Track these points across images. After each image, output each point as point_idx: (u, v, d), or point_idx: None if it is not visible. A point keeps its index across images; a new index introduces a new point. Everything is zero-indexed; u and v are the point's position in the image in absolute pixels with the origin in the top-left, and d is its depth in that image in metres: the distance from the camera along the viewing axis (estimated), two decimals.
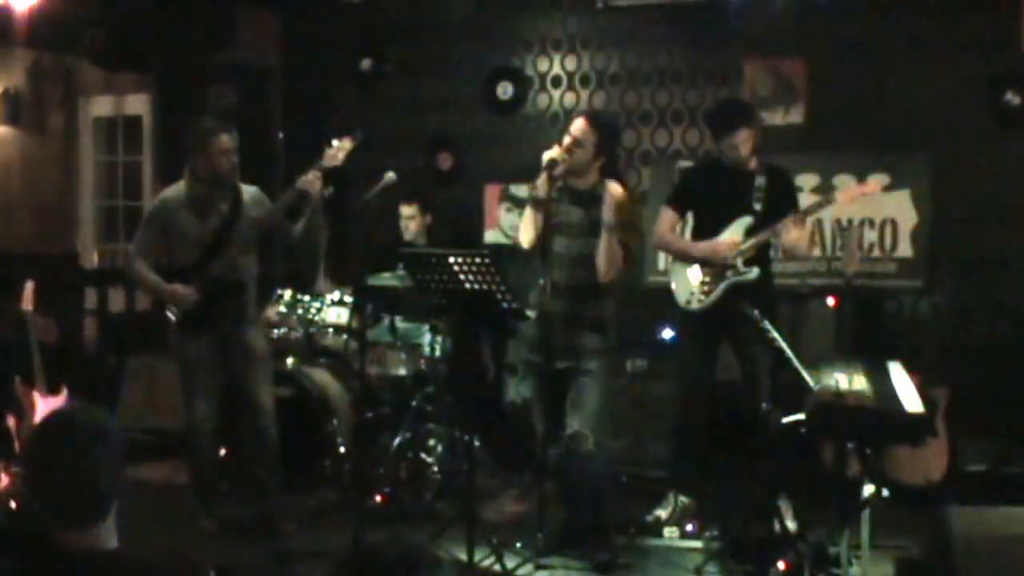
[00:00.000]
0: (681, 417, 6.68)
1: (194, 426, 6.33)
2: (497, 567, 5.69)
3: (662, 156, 8.63)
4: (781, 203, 6.42)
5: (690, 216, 6.73)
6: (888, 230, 7.79)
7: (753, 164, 6.45)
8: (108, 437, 2.74)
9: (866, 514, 5.35)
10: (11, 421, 6.73)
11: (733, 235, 6.40)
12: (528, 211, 5.97)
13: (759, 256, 6.46)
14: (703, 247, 6.47)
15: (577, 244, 5.95)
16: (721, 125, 6.47)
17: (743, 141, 6.36)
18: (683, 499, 6.60)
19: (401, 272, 6.94)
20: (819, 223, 7.86)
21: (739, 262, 6.38)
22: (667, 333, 6.98)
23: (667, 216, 6.62)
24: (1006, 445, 7.20)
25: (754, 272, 6.39)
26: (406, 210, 7.78)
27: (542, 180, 5.86)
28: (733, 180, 6.44)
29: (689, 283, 6.50)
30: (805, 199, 7.32)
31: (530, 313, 5.90)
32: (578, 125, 5.97)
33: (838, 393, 4.95)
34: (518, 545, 6.01)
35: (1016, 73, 7.71)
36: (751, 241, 6.38)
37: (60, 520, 2.70)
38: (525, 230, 5.98)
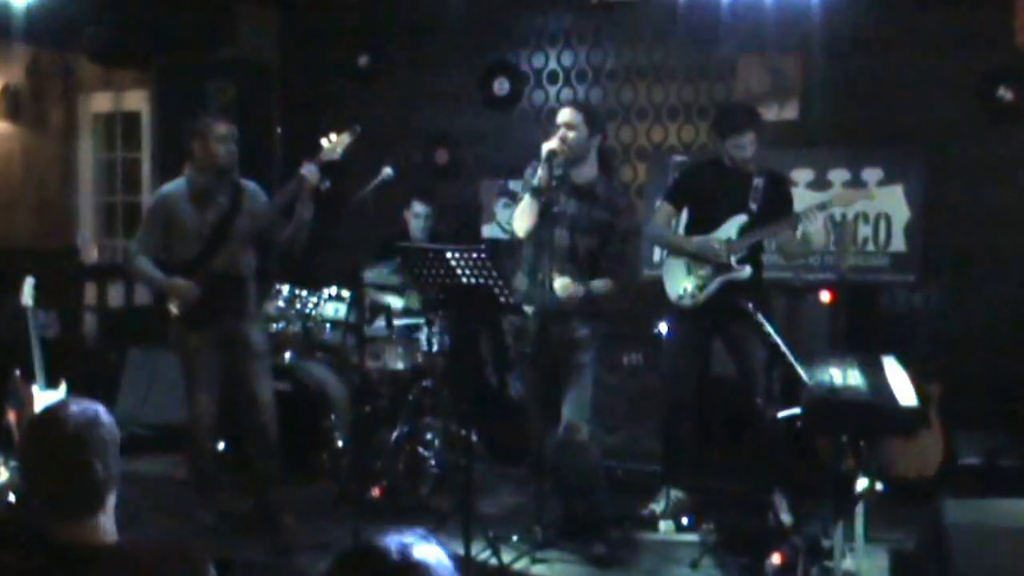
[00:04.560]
0: (673, 412, 6.71)
1: (194, 420, 6.36)
2: (494, 561, 5.72)
3: (658, 152, 8.65)
4: (777, 206, 6.48)
5: (686, 212, 6.78)
6: (882, 225, 7.81)
7: (752, 166, 6.50)
8: (102, 428, 2.77)
9: (860, 507, 5.38)
10: (11, 415, 6.77)
11: (728, 233, 6.45)
12: (526, 199, 5.96)
13: (752, 254, 6.51)
14: (698, 243, 6.52)
15: (575, 238, 5.97)
16: (728, 126, 6.52)
17: (748, 143, 6.43)
18: (677, 493, 6.63)
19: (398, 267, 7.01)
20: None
21: (733, 260, 6.42)
22: (663, 328, 7.01)
23: (663, 211, 6.68)
24: (1000, 438, 7.22)
25: (747, 270, 6.43)
26: (420, 207, 7.87)
27: (543, 170, 5.88)
28: (731, 179, 6.49)
29: (682, 279, 6.54)
30: (800, 194, 7.37)
31: (527, 309, 5.93)
32: (564, 113, 6.02)
33: (832, 387, 4.99)
34: (515, 539, 6.06)
35: (1009, 69, 7.72)
36: (746, 240, 6.43)
37: (57, 512, 2.72)
38: (522, 218, 5.97)
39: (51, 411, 2.81)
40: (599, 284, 5.97)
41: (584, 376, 5.98)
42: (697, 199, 6.65)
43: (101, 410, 2.81)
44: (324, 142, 6.16)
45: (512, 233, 6.20)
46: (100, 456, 2.74)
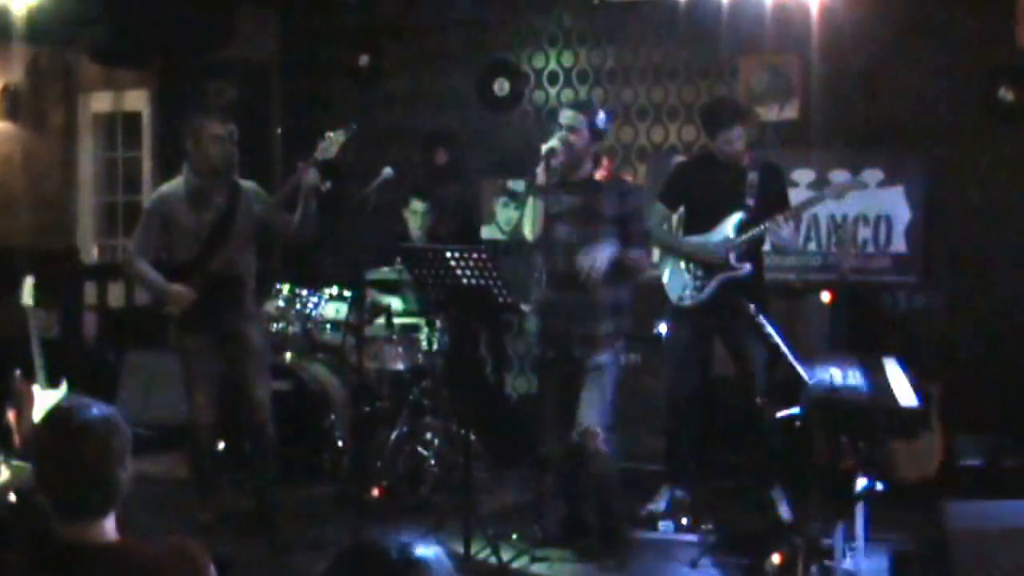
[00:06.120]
0: (672, 412, 6.71)
1: (193, 420, 6.35)
2: (494, 559, 5.72)
3: (658, 152, 8.65)
4: (773, 199, 6.48)
5: (683, 210, 6.78)
6: (883, 226, 7.81)
7: (746, 160, 6.50)
8: (122, 433, 2.77)
9: (860, 507, 5.38)
10: (11, 415, 6.77)
11: (725, 231, 6.45)
12: (530, 202, 5.92)
13: (751, 252, 6.50)
14: (694, 244, 6.52)
15: (579, 232, 5.94)
16: (715, 122, 6.53)
17: (737, 138, 6.42)
18: (677, 492, 6.63)
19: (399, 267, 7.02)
20: (815, 219, 7.89)
21: (731, 257, 6.42)
22: (663, 328, 7.01)
23: (658, 211, 6.67)
24: (1000, 440, 7.22)
25: (747, 268, 6.43)
26: (418, 205, 7.85)
27: (541, 170, 5.87)
28: (726, 175, 6.49)
29: (682, 278, 6.54)
30: (800, 194, 7.37)
31: (525, 307, 5.92)
32: (567, 115, 5.99)
33: (832, 387, 4.99)
34: (515, 537, 6.06)
35: (1010, 69, 7.72)
36: (743, 237, 6.43)
37: (72, 513, 2.72)
38: (529, 222, 5.94)
39: (72, 413, 2.78)
40: (636, 255, 5.93)
41: (602, 377, 5.86)
42: (692, 198, 6.64)
43: (117, 414, 2.81)
44: (320, 141, 6.15)
45: (510, 235, 6.14)
46: (121, 462, 2.75)
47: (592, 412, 5.81)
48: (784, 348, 5.20)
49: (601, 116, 6.06)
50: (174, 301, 6.19)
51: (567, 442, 5.91)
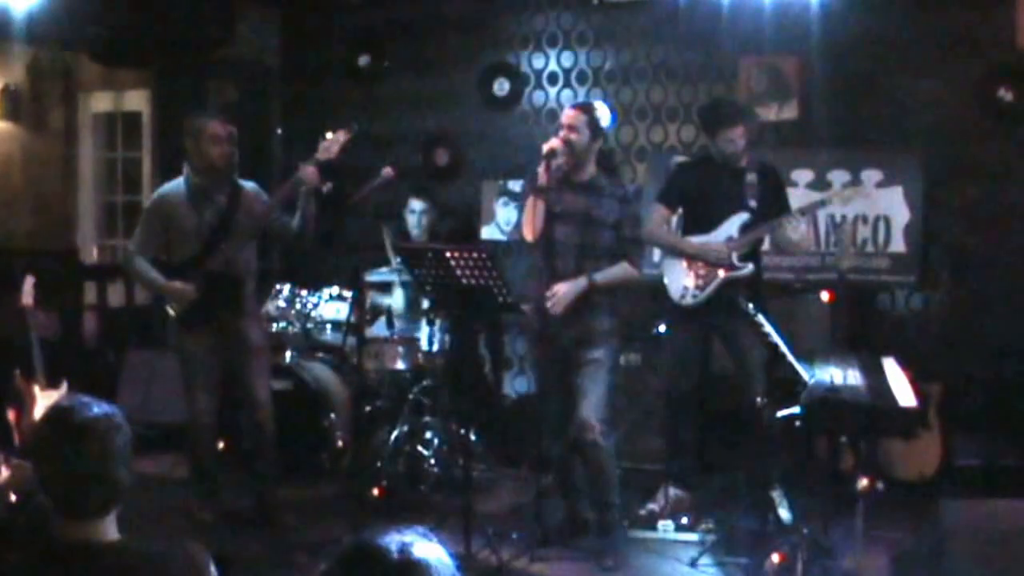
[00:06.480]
0: (672, 412, 6.71)
1: (193, 419, 6.37)
2: (494, 559, 5.72)
3: (657, 152, 8.64)
4: (773, 200, 6.49)
5: (681, 211, 6.78)
6: (881, 226, 7.80)
7: (745, 160, 6.51)
8: (123, 433, 2.78)
9: (860, 506, 5.38)
10: (11, 414, 6.78)
11: (729, 232, 6.45)
12: (530, 203, 5.91)
13: (751, 252, 6.52)
14: (695, 246, 6.52)
15: (580, 233, 5.94)
16: (714, 122, 6.54)
17: (737, 138, 6.43)
18: (677, 492, 6.63)
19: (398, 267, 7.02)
20: (813, 219, 7.88)
21: (734, 257, 6.42)
22: (662, 327, 7.01)
23: (658, 212, 6.67)
24: (998, 440, 7.22)
25: (748, 268, 6.44)
26: (417, 204, 7.85)
27: (542, 170, 5.86)
28: (725, 176, 6.50)
29: (683, 278, 6.54)
30: (800, 195, 7.37)
31: (525, 307, 5.93)
32: (568, 113, 6.00)
33: (832, 387, 5.00)
34: (515, 537, 6.06)
35: (1010, 69, 7.71)
36: (747, 238, 6.44)
37: (73, 512, 2.72)
38: (529, 222, 5.92)
39: (73, 412, 2.78)
40: (617, 270, 5.95)
41: (599, 372, 5.90)
42: (691, 199, 6.65)
43: (119, 413, 2.81)
44: (321, 141, 6.15)
45: (509, 236, 6.15)
46: (123, 461, 2.75)
47: (589, 406, 5.86)
48: (784, 348, 5.20)
49: (606, 114, 6.05)
50: (175, 298, 6.22)
51: (566, 438, 5.94)
